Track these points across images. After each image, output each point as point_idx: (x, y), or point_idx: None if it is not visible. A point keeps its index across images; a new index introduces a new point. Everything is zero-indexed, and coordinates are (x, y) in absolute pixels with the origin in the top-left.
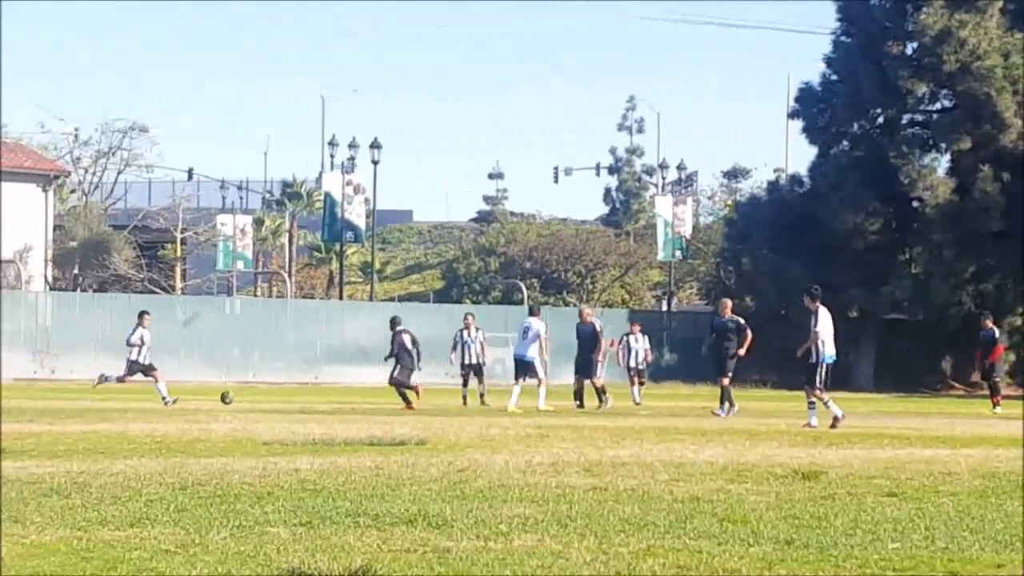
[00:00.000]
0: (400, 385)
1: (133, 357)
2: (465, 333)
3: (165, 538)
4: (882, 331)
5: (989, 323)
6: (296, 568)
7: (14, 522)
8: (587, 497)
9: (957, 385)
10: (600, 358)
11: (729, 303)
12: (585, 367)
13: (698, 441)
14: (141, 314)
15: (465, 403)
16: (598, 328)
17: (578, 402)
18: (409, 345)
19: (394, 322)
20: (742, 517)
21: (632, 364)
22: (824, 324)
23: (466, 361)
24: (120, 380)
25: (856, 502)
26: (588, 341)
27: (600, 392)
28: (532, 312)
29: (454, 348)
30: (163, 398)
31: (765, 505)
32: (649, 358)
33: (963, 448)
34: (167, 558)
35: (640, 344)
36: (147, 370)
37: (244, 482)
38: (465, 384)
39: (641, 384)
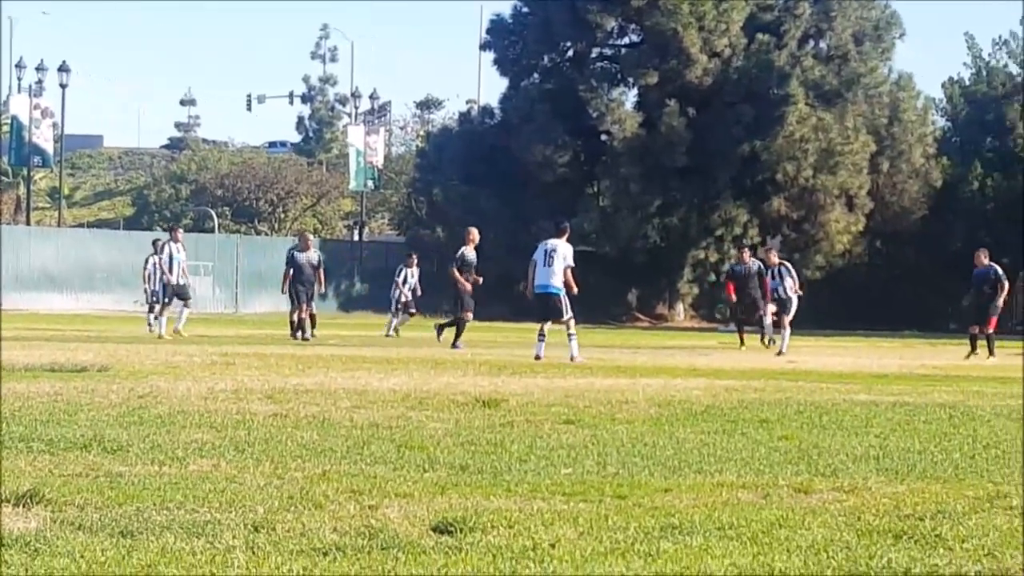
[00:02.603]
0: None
1: None
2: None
3: None
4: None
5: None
6: None
7: None
8: (267, 423)
9: (642, 317)
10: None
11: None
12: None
13: (384, 370)
14: None
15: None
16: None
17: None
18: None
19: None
20: (419, 443)
21: (404, 296)
22: None
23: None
24: None
25: (533, 429)
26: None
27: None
28: (172, 237)
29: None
30: None
31: (443, 432)
32: (419, 291)
33: (642, 378)
34: None
35: (415, 278)
36: None
37: None
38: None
39: (411, 315)
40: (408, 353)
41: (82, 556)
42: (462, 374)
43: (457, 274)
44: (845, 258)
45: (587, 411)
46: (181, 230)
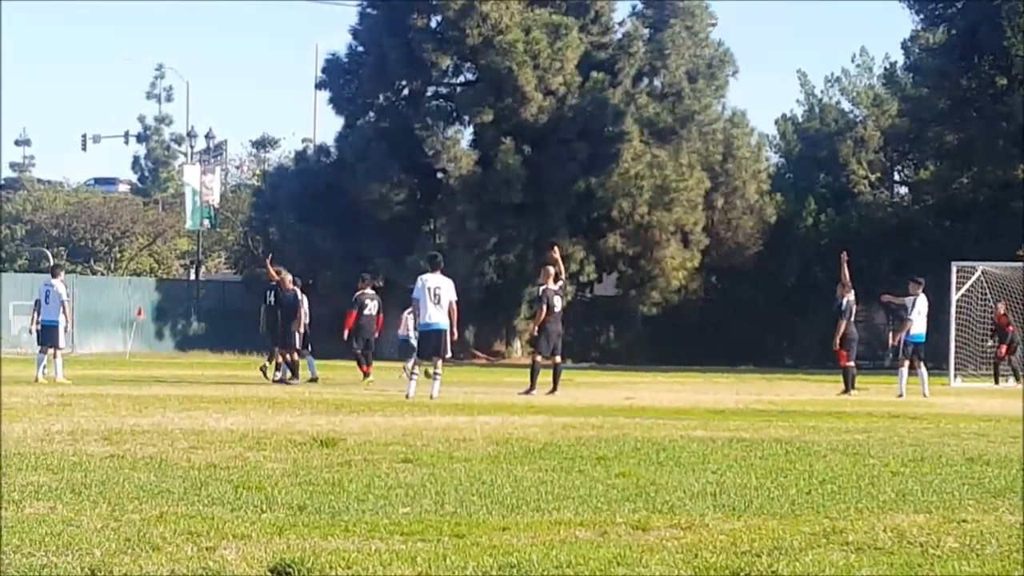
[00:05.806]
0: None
1: None
2: None
3: None
4: (408, 301)
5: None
6: None
7: None
8: (104, 465)
9: (480, 354)
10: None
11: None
12: None
13: (221, 409)
14: None
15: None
16: None
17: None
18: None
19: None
20: (257, 484)
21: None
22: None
23: None
24: None
25: (372, 468)
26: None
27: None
28: (54, 274)
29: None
30: None
31: (281, 472)
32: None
33: (480, 415)
34: None
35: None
36: None
37: None
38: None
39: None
40: (245, 392)
41: None
42: (299, 413)
43: None
44: (681, 294)
45: (425, 449)
46: (63, 272)
